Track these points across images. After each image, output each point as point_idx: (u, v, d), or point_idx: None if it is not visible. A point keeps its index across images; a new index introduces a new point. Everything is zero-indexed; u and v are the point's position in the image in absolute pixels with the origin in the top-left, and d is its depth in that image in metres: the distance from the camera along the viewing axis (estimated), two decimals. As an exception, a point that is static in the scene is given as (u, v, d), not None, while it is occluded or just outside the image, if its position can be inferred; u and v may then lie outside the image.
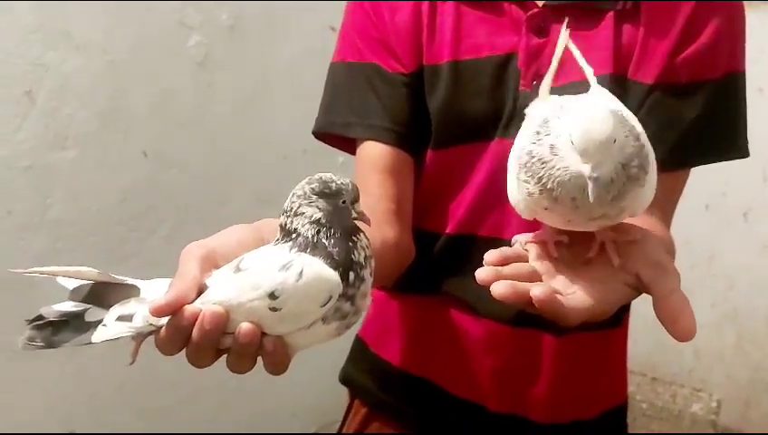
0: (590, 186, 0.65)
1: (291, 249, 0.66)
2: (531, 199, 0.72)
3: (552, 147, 0.68)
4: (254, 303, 0.64)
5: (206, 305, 0.65)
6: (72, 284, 0.69)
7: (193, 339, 0.65)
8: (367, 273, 0.68)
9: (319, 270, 0.65)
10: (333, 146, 1.05)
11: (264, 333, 0.66)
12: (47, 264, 1.66)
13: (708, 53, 0.92)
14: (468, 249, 0.99)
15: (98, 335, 0.67)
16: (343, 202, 0.67)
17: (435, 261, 1.01)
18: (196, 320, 0.64)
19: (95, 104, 1.66)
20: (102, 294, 0.69)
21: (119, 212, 1.73)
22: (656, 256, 0.74)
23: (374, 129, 0.98)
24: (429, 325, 1.05)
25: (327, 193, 0.67)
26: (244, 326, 0.65)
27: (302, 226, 0.67)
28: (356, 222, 0.69)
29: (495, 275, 0.70)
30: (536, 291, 0.67)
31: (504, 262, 0.75)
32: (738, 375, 2.45)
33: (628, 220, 0.75)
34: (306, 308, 0.65)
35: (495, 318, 0.99)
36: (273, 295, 0.64)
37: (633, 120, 0.72)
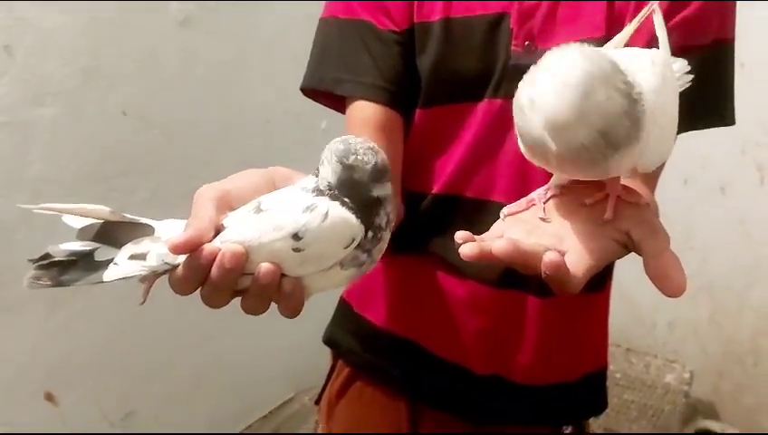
0: (555, 162, 0.66)
1: (313, 193, 0.66)
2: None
3: (531, 101, 0.66)
4: (275, 243, 0.64)
5: (226, 244, 0.64)
6: (79, 222, 0.68)
7: (211, 278, 0.64)
8: (386, 234, 0.69)
9: (342, 213, 0.65)
10: (321, 103, 1.04)
11: (283, 275, 0.65)
12: (27, 221, 1.64)
13: (698, 19, 0.92)
14: (454, 210, 0.99)
15: (109, 274, 0.66)
16: (359, 178, 0.66)
17: (420, 221, 1.01)
18: (215, 259, 0.64)
19: (76, 61, 1.63)
20: (113, 233, 0.68)
21: (99, 171, 1.70)
22: (647, 216, 0.74)
23: (367, 87, 0.97)
24: (414, 286, 1.05)
25: (344, 163, 0.66)
26: (265, 266, 0.64)
27: (321, 177, 0.67)
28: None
29: (479, 246, 0.68)
30: (550, 256, 0.66)
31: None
32: (711, 348, 2.49)
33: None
34: (329, 250, 0.65)
35: (480, 279, 0.99)
36: (296, 236, 0.64)
37: (638, 75, 0.68)
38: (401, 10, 0.96)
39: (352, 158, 0.66)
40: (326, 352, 1.19)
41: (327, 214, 0.65)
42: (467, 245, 0.68)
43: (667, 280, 0.68)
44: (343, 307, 1.15)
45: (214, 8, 1.87)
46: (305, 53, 1.03)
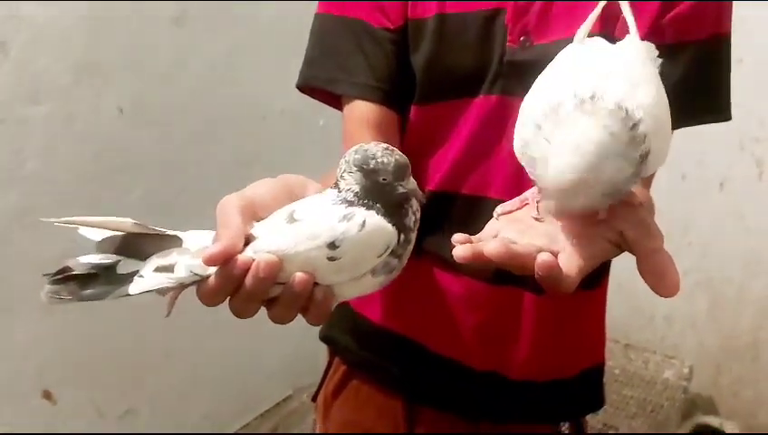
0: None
1: (345, 202, 0.67)
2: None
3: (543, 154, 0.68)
4: (311, 252, 0.64)
5: (260, 254, 0.64)
6: (97, 235, 0.67)
7: (245, 287, 0.65)
8: (413, 235, 0.70)
9: (379, 221, 0.66)
10: (317, 99, 1.04)
11: (315, 283, 0.66)
12: (22, 219, 1.64)
13: (694, 14, 0.91)
14: (450, 207, 0.99)
15: (135, 287, 0.65)
16: (384, 180, 0.67)
17: None
18: (248, 269, 0.64)
19: (70, 58, 1.62)
20: (136, 245, 0.67)
21: (93, 169, 1.70)
22: (641, 216, 0.73)
23: (361, 87, 0.97)
24: (410, 283, 1.03)
25: (365, 169, 0.67)
26: (299, 275, 0.65)
27: (345, 192, 0.68)
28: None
29: (472, 248, 0.69)
30: (543, 257, 0.66)
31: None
32: (709, 342, 2.49)
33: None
34: (364, 258, 0.66)
35: (475, 276, 0.99)
36: (333, 245, 0.64)
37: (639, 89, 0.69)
38: (396, 7, 0.96)
39: (372, 163, 0.67)
40: (324, 350, 1.19)
41: (364, 223, 0.65)
42: (460, 247, 0.69)
43: (661, 280, 0.68)
44: (340, 305, 1.14)
45: (208, 4, 1.86)
46: (301, 48, 1.03)
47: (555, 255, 0.70)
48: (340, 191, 0.68)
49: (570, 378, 1.07)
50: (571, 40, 0.83)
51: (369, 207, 0.67)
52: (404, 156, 0.69)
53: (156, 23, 1.78)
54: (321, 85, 1.00)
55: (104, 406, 1.87)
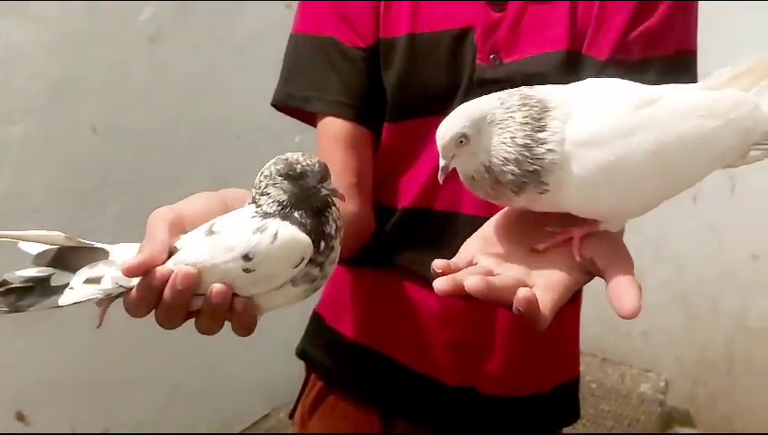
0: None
1: (263, 216, 0.68)
2: None
3: None
4: (227, 264, 0.65)
5: (179, 266, 0.65)
6: (35, 249, 0.69)
7: (164, 299, 0.65)
8: (336, 242, 0.70)
9: (292, 232, 0.67)
10: (293, 117, 1.05)
11: (234, 295, 0.67)
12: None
13: (660, 30, 0.92)
14: (424, 223, 0.99)
15: (65, 299, 0.67)
16: (309, 182, 0.68)
17: (391, 235, 1.02)
18: (168, 280, 0.65)
19: (45, 77, 1.62)
20: (68, 258, 0.69)
21: (68, 188, 1.69)
22: (610, 241, 0.75)
23: (333, 104, 0.98)
24: (385, 299, 1.05)
25: (292, 175, 0.68)
26: (216, 287, 0.65)
27: (268, 205, 0.68)
28: (330, 198, 0.69)
29: (452, 281, 0.69)
30: (523, 292, 0.67)
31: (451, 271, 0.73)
32: (686, 356, 2.51)
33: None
34: (279, 269, 0.67)
35: None
36: (247, 257, 0.65)
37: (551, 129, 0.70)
38: (367, 26, 0.97)
39: (299, 167, 0.68)
40: (302, 368, 1.19)
41: (276, 235, 0.66)
42: (441, 279, 0.69)
43: (621, 302, 0.68)
44: (316, 320, 1.14)
45: (183, 23, 1.87)
46: (277, 66, 1.04)
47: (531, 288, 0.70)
48: (258, 207, 0.68)
49: (544, 393, 1.08)
50: (539, 57, 0.84)
51: (285, 217, 0.67)
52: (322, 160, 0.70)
53: (130, 41, 1.78)
54: (296, 103, 1.01)
55: (81, 426, 1.85)
